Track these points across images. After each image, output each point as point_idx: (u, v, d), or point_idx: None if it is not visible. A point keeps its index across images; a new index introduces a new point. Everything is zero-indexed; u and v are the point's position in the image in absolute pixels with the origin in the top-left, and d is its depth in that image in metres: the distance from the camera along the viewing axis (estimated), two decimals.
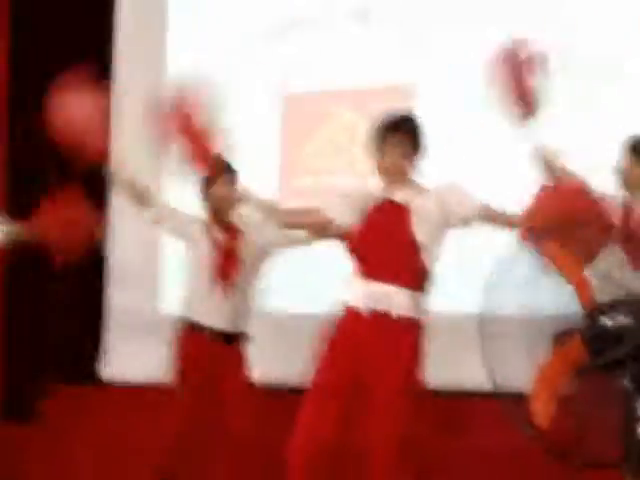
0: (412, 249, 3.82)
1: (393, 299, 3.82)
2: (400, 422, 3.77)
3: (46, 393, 6.90)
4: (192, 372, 4.80)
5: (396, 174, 3.92)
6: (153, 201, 4.92)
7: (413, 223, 3.81)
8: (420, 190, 3.90)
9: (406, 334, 3.85)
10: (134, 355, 6.45)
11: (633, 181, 4.26)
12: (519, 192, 4.90)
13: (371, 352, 3.78)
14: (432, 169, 5.33)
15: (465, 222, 3.91)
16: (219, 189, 4.84)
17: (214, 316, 4.81)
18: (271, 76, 6.74)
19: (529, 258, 3.34)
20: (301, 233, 4.72)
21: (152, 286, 6.52)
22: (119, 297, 6.79)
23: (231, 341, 4.81)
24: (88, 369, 6.97)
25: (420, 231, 3.82)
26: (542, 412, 3.22)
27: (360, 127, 6.02)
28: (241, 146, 6.04)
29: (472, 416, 5.77)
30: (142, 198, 4.84)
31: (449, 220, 3.89)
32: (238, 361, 4.87)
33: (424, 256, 3.83)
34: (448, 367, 5.62)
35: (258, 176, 5.31)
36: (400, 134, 3.92)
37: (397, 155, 3.89)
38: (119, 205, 6.75)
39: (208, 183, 4.88)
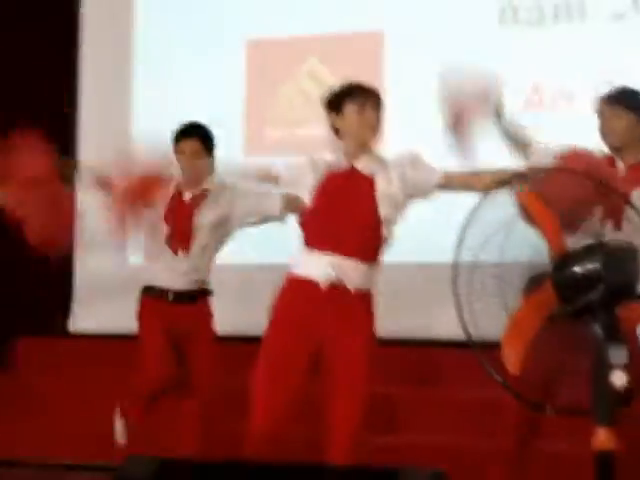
0: (374, 223, 3.83)
1: (352, 273, 3.82)
2: (362, 395, 3.85)
3: (16, 345, 6.93)
4: (156, 335, 4.93)
5: (370, 139, 3.90)
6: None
7: (377, 196, 3.82)
8: (382, 161, 3.90)
9: (363, 305, 3.87)
10: (102, 307, 6.48)
11: (616, 135, 4.18)
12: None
13: (329, 325, 3.81)
14: (400, 117, 5.29)
15: (427, 194, 3.93)
16: (185, 160, 4.89)
17: (173, 277, 4.90)
18: (234, 21, 6.76)
19: (501, 205, 3.30)
20: (272, 208, 4.76)
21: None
22: (88, 250, 6.80)
23: (194, 299, 4.91)
24: (57, 321, 7.00)
25: (383, 204, 3.82)
26: (513, 359, 3.20)
27: (328, 76, 6.02)
28: (205, 95, 6.07)
29: (445, 366, 5.83)
30: (105, 184, 4.81)
31: (411, 193, 3.89)
32: (203, 318, 4.97)
33: (384, 229, 3.83)
34: (421, 317, 5.68)
35: (223, 127, 5.31)
36: (377, 100, 3.91)
37: (376, 118, 3.89)
38: (86, 159, 6.78)
39: (177, 144, 4.91)
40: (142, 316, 5.00)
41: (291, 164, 4.03)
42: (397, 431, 5.59)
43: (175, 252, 4.93)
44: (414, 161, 3.91)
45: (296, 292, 3.88)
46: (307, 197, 3.90)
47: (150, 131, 5.40)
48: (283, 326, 3.88)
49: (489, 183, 3.80)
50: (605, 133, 4.22)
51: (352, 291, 3.83)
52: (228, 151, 5.84)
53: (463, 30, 6.09)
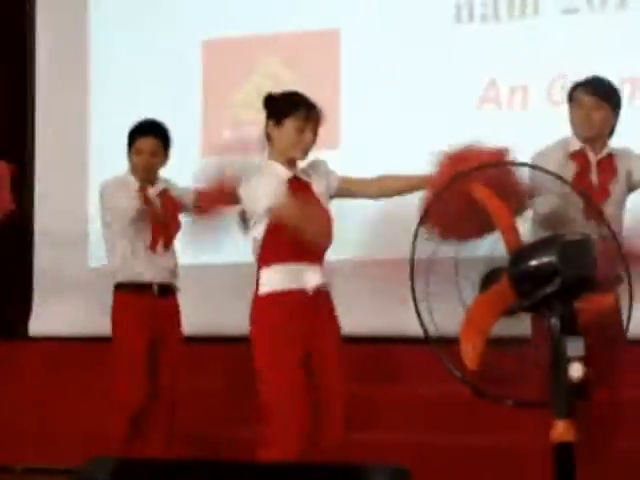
0: (331, 227, 4.06)
1: (325, 276, 4.06)
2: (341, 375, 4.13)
3: None
4: (137, 331, 5.09)
5: (300, 159, 4.06)
6: None
7: (320, 198, 4.04)
8: (306, 168, 4.12)
9: (330, 301, 4.12)
10: (63, 310, 6.51)
11: (594, 125, 4.24)
12: (440, 137, 5.02)
13: (315, 326, 4.04)
14: (356, 115, 5.31)
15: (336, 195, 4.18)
16: (143, 159, 5.08)
17: (155, 272, 5.13)
18: (189, 21, 6.80)
19: None
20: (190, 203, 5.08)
21: (80, 242, 6.58)
22: (47, 253, 6.88)
23: (167, 293, 5.15)
24: (17, 325, 7.09)
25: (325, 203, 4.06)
26: (471, 354, 3.24)
27: (285, 75, 6.10)
28: (161, 96, 6.15)
29: (408, 363, 5.92)
30: None
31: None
32: (175, 312, 5.21)
33: None
34: (382, 314, 5.75)
35: (179, 127, 5.39)
36: (318, 120, 4.05)
37: (313, 140, 4.05)
38: (44, 163, 6.84)
39: (134, 142, 5.07)
40: (120, 316, 5.14)
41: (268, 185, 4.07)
42: (362, 429, 5.66)
43: (154, 249, 5.11)
44: (324, 166, 4.16)
45: (284, 306, 4.01)
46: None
47: (107, 133, 5.53)
48: (283, 342, 4.02)
49: (391, 188, 4.19)
50: (581, 122, 4.28)
51: (327, 292, 4.10)
52: (185, 152, 5.94)
53: (419, 27, 6.20)
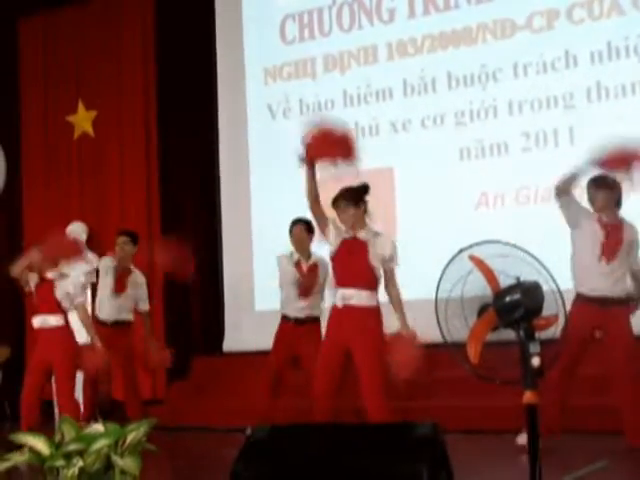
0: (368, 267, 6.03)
1: (354, 297, 5.97)
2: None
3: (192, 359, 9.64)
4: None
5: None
6: None
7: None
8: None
9: (368, 317, 6.27)
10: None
11: (598, 205, 6.24)
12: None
13: (350, 329, 5.95)
14: None
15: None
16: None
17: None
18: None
19: (462, 263, 4.47)
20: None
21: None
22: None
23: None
24: (215, 343, 9.81)
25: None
26: (473, 354, 4.32)
27: None
28: None
29: (440, 357, 7.12)
30: None
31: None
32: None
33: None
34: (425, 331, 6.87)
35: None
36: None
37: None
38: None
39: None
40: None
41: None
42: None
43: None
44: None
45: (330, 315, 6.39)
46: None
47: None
48: (327, 336, 6.42)
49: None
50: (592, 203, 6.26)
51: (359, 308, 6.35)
52: None
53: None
